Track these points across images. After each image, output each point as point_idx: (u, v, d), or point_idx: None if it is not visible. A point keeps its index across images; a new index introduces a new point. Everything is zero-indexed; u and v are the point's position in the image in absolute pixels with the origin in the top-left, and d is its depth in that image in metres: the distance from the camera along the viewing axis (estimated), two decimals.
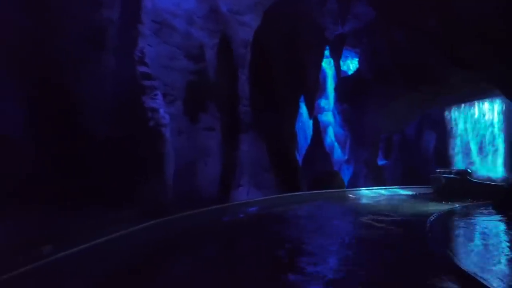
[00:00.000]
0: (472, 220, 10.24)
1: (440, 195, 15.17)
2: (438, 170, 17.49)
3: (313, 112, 19.68)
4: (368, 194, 16.40)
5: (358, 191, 16.67)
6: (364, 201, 14.29)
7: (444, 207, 12.17)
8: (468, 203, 13.39)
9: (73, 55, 9.49)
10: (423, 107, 19.45)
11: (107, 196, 8.10)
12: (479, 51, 13.29)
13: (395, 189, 17.95)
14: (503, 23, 11.68)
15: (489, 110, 18.11)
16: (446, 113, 20.43)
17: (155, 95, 11.31)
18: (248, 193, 13.17)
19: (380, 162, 22.57)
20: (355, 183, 20.42)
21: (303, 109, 25.24)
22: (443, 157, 23.02)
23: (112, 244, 6.40)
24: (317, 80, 19.05)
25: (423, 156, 24.17)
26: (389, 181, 21.22)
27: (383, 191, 17.26)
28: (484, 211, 11.93)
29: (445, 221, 9.87)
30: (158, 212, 9.44)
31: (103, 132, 9.34)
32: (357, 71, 21.57)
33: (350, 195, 15.78)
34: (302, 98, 19.43)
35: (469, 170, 16.51)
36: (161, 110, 11.35)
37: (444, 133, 22.25)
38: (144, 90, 11.02)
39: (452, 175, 15.98)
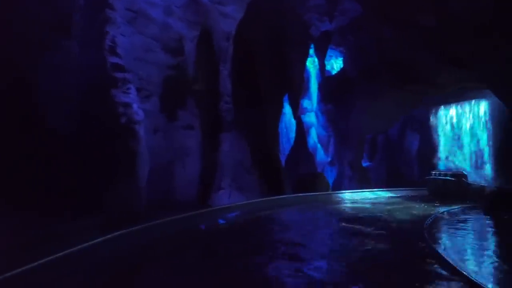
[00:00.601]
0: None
1: (436, 197, 15.08)
2: (433, 172, 17.22)
3: (298, 112, 18.94)
4: (355, 197, 15.77)
5: (344, 194, 16.01)
6: (352, 205, 13.59)
7: (435, 210, 11.71)
8: (461, 206, 12.98)
9: (33, 42, 8.39)
10: (409, 107, 19.05)
11: (68, 201, 7.04)
12: (471, 49, 12.87)
13: (381, 192, 17.42)
14: (497, 20, 11.29)
15: (475, 111, 17.83)
16: (432, 113, 20.09)
17: (128, 88, 10.27)
18: (229, 196, 12.26)
19: (364, 163, 22.09)
20: (339, 185, 19.82)
21: (287, 109, 24.61)
22: (427, 158, 22.80)
23: (68, 261, 5.36)
24: (302, 78, 18.34)
25: (406, 158, 23.85)
26: (373, 183, 20.76)
27: (369, 194, 16.68)
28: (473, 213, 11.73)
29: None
30: (129, 220, 8.43)
31: (66, 129, 8.26)
32: (342, 70, 21.02)
33: (337, 198, 15.10)
34: (286, 97, 18.74)
35: (464, 172, 16.21)
36: (135, 106, 10.32)
37: (428, 134, 21.98)
38: (115, 83, 9.97)
39: (448, 177, 15.71)
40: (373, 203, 13.81)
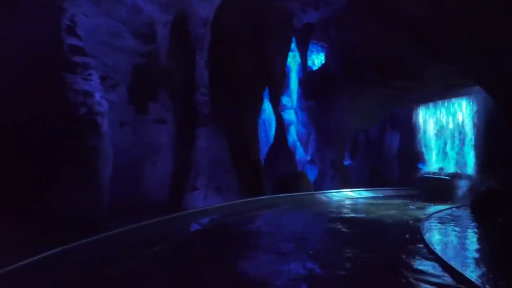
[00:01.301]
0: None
1: (429, 197, 14.84)
2: (426, 171, 16.82)
3: (279, 107, 17.98)
4: (340, 197, 14.98)
5: (327, 194, 15.18)
6: (338, 206, 12.75)
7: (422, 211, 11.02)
8: (452, 206, 12.45)
9: None
10: (393, 104, 18.46)
11: (5, 209, 5.73)
12: (461, 43, 12.28)
13: (365, 192, 16.75)
14: (489, 14, 10.72)
15: (459, 110, 17.42)
16: (415, 112, 19.59)
17: (89, 75, 8.94)
18: (205, 197, 11.12)
19: (346, 162, 21.42)
20: (320, 184, 19.04)
21: (266, 105, 23.60)
22: (408, 158, 22.42)
23: None
24: (283, 71, 17.37)
25: (386, 157, 23.43)
26: (355, 183, 20.12)
27: (354, 194, 15.96)
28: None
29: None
30: (88, 228, 7.18)
31: (7, 121, 6.89)
32: (324, 65, 20.20)
33: (321, 199, 14.24)
34: (266, 92, 17.73)
35: (459, 172, 15.78)
36: (97, 95, 9.01)
37: (409, 133, 21.56)
38: (73, 67, 8.63)
39: (442, 177, 15.26)
40: (362, 204, 13.02)
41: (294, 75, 26.00)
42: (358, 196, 15.97)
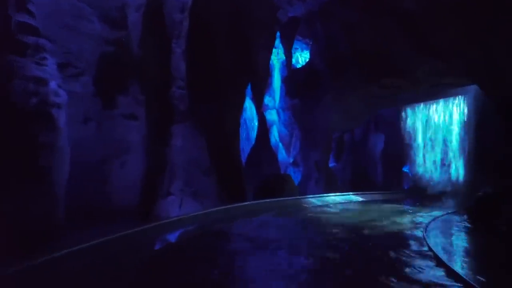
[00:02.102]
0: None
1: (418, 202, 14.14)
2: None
3: (262, 105, 16.88)
4: (327, 202, 14.00)
5: (314, 199, 14.17)
6: (330, 214, 11.69)
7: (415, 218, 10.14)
8: (448, 211, 11.68)
9: None
10: (380, 104, 17.69)
11: None
12: (455, 37, 11.55)
13: (353, 196, 15.88)
14: (484, 6, 10.01)
15: (448, 110, 16.82)
16: (401, 112, 18.89)
17: (43, 59, 7.56)
18: (181, 204, 9.84)
19: (330, 164, 20.52)
20: (304, 188, 18.04)
21: (247, 103, 22.45)
22: (393, 160, 21.79)
23: None
24: (267, 67, 16.27)
25: (370, 159, 22.73)
26: (340, 186, 19.26)
27: (339, 198, 15.03)
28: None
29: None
30: (37, 242, 5.84)
31: None
32: (309, 62, 19.26)
33: (308, 204, 13.18)
34: (248, 89, 16.58)
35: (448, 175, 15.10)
36: (53, 84, 7.63)
37: (395, 134, 20.92)
38: (23, 49, 7.23)
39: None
40: (356, 212, 12.00)
41: (277, 73, 24.95)
42: (347, 201, 15.06)
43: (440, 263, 5.56)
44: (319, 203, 13.69)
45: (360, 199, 15.70)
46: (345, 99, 16.89)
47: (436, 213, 11.55)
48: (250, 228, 8.63)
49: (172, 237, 7.67)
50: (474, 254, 7.01)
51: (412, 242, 7.33)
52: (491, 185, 12.20)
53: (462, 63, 11.99)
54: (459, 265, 5.62)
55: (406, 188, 20.71)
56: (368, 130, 22.46)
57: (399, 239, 7.78)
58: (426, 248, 6.61)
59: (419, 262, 5.77)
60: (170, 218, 8.68)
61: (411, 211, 12.18)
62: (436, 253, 6.00)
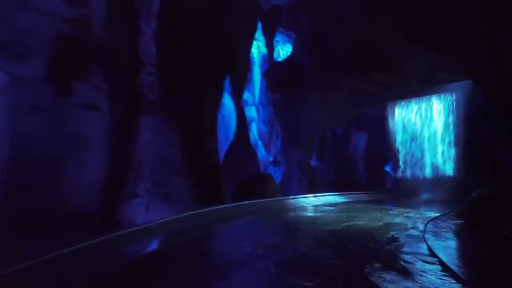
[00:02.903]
0: None
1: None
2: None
3: (241, 100, 15.68)
4: (313, 203, 12.96)
5: (297, 200, 13.10)
6: (318, 216, 10.59)
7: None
8: (440, 214, 10.85)
9: None
10: (367, 101, 16.85)
11: None
12: (455, 27, 10.74)
13: (338, 197, 14.94)
14: None
15: (436, 108, 16.12)
16: (386, 110, 18.10)
17: None
18: (148, 208, 8.49)
19: (313, 163, 19.55)
20: (286, 188, 17.01)
21: (226, 98, 21.21)
22: (376, 159, 21.09)
23: None
24: (247, 58, 15.10)
25: (353, 158, 21.96)
26: (322, 186, 18.32)
27: (325, 199, 14.04)
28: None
29: None
30: None
31: None
32: (292, 56, 18.23)
33: (294, 206, 12.09)
34: (227, 83, 15.33)
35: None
36: None
37: (378, 132, 20.18)
38: None
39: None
40: (345, 213, 10.94)
41: (257, 68, 23.80)
42: (333, 202, 14.09)
43: None
44: (304, 204, 12.65)
45: (346, 199, 14.81)
46: (331, 96, 15.94)
47: (430, 214, 10.71)
48: (230, 236, 7.41)
49: (135, 250, 6.34)
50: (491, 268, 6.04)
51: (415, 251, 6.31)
52: (484, 186, 11.49)
53: (460, 56, 11.19)
54: None
55: (388, 187, 20.07)
56: (350, 128, 21.67)
57: (396, 246, 6.75)
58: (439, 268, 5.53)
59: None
60: (132, 227, 7.31)
61: (399, 213, 11.33)
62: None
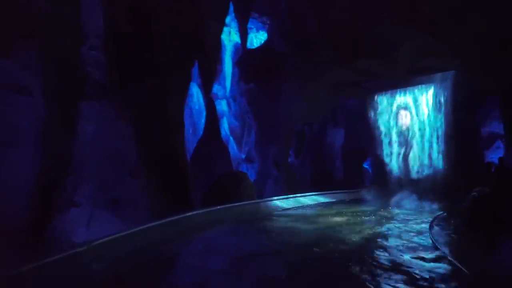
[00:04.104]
0: None
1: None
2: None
3: (211, 89, 13.95)
4: (293, 205, 11.52)
5: (276, 202, 11.59)
6: (303, 221, 9.06)
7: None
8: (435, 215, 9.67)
9: None
10: (349, 92, 15.54)
11: None
12: (444, 11, 9.57)
13: (321, 197, 13.60)
14: None
15: (421, 99, 15.04)
16: (370, 102, 16.84)
17: None
18: (90, 219, 6.61)
19: (289, 160, 18.09)
20: (261, 188, 15.44)
21: (194, 89, 19.40)
22: (354, 155, 19.97)
23: None
24: (218, 43, 13.39)
25: (330, 155, 20.72)
26: (298, 185, 16.91)
27: (307, 200, 12.65)
28: None
29: None
30: None
31: None
32: (267, 42, 16.67)
33: (272, 211, 10.55)
34: (195, 72, 13.56)
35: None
36: None
37: (357, 127, 19.00)
38: None
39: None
40: (331, 218, 9.52)
41: (228, 58, 22.09)
42: (314, 203, 12.71)
43: None
44: (286, 206, 11.18)
45: (328, 200, 13.54)
46: (311, 86, 14.49)
47: (424, 217, 9.51)
48: (200, 260, 5.70)
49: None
50: None
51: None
52: (480, 183, 10.40)
53: (454, 36, 10.04)
54: None
55: (367, 185, 19.01)
56: (327, 123, 20.40)
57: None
58: None
59: None
60: (76, 242, 5.43)
61: (391, 215, 10.10)
62: None
